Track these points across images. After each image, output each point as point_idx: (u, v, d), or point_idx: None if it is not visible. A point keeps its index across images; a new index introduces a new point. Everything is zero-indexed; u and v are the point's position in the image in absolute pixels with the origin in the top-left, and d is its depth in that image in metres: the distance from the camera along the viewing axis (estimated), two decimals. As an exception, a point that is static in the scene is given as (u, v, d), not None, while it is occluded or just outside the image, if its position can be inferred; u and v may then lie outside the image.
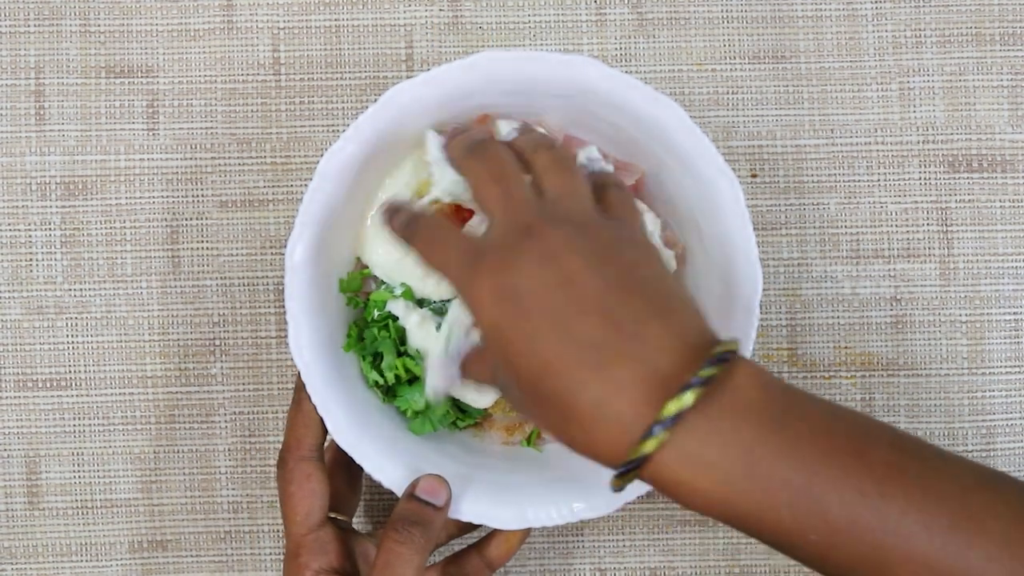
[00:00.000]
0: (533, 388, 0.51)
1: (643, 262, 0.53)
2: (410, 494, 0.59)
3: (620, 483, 0.50)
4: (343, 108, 0.71)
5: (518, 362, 0.51)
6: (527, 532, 0.64)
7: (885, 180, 0.71)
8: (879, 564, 0.48)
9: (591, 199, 0.55)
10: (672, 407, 0.48)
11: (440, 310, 0.62)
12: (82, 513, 0.70)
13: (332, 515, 0.62)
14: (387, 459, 0.61)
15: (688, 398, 0.48)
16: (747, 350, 0.61)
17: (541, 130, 0.62)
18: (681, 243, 0.64)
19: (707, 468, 0.49)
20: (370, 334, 0.63)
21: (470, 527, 0.65)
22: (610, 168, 0.62)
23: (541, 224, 0.52)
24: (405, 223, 0.57)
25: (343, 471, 0.65)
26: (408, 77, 0.70)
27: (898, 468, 0.49)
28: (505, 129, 0.61)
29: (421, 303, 0.63)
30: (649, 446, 0.48)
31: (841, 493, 0.48)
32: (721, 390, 0.49)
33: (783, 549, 0.50)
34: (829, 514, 0.48)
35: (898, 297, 0.71)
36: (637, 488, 0.62)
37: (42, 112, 0.70)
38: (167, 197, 0.70)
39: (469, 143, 0.57)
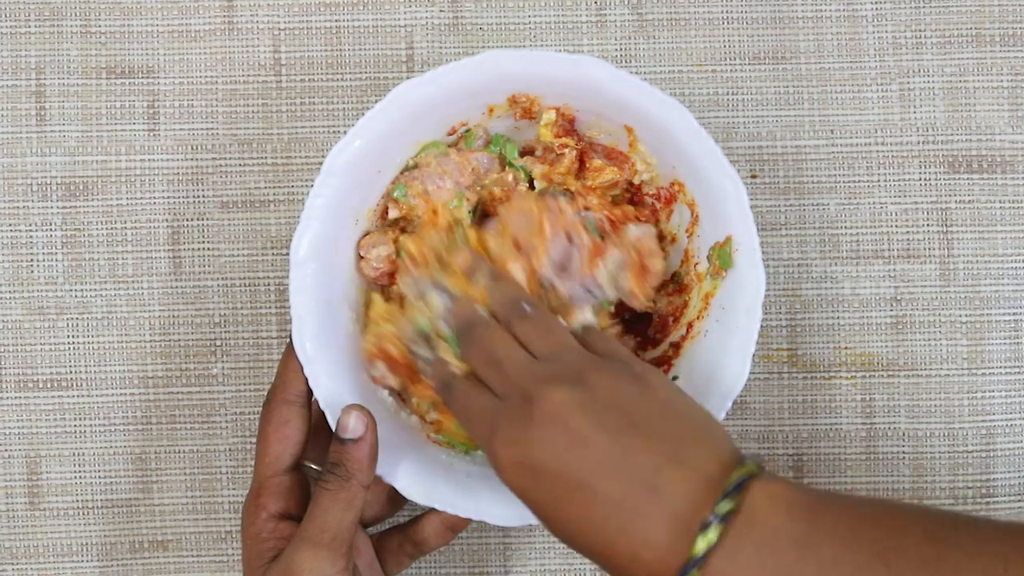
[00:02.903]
0: (576, 545, 0.53)
1: (645, 398, 0.54)
2: (336, 436, 0.60)
3: None
4: (344, 109, 0.71)
5: (549, 524, 0.54)
6: (467, 521, 0.64)
7: (885, 181, 0.71)
8: None
9: (579, 348, 0.57)
10: (699, 547, 0.50)
11: None
12: (83, 513, 0.70)
13: (307, 464, 0.62)
14: (391, 453, 0.61)
15: (711, 536, 0.49)
16: (749, 352, 0.61)
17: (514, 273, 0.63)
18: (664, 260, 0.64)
19: None
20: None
21: (401, 503, 0.65)
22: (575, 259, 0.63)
23: (539, 388, 0.54)
24: (441, 384, 0.60)
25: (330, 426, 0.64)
26: (409, 78, 0.70)
27: (935, 561, 0.49)
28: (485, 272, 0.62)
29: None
30: (699, 546, 0.50)
31: None
32: (741, 522, 0.50)
33: None
34: None
35: (898, 298, 0.71)
36: None
37: (43, 113, 0.71)
38: (168, 198, 0.71)
39: (460, 328, 0.60)
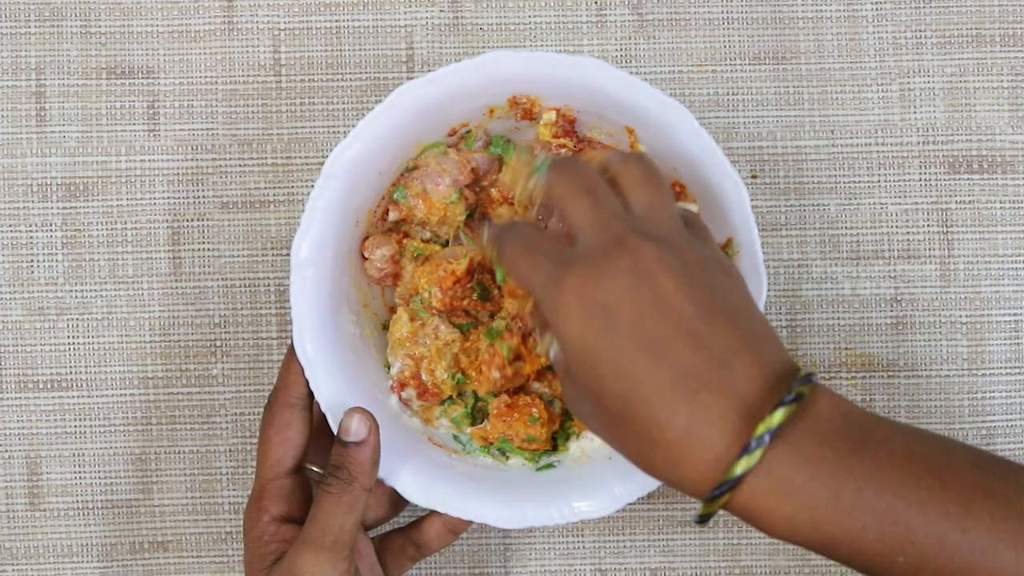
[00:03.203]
0: (616, 412, 0.51)
1: (730, 287, 0.52)
2: (338, 439, 0.60)
3: (708, 509, 0.50)
4: (344, 109, 0.71)
5: (603, 383, 0.51)
6: (468, 523, 0.63)
7: (885, 181, 0.71)
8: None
9: (679, 216, 0.54)
10: (761, 429, 0.48)
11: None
12: (83, 514, 0.70)
13: (309, 466, 0.62)
14: (393, 455, 0.61)
15: (776, 418, 0.48)
16: None
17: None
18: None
19: (793, 493, 0.49)
20: None
21: (402, 505, 0.65)
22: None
23: (633, 237, 0.51)
24: (497, 232, 0.56)
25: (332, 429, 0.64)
26: (409, 78, 0.70)
27: (983, 488, 0.49)
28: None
29: None
30: (740, 468, 0.49)
31: (927, 515, 0.48)
32: (804, 417, 0.49)
33: (872, 573, 0.50)
34: (916, 536, 0.48)
35: (898, 298, 0.71)
36: (638, 489, 0.62)
37: (43, 113, 0.70)
38: (168, 198, 0.71)
39: (555, 161, 0.56)
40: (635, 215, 0.53)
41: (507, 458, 0.65)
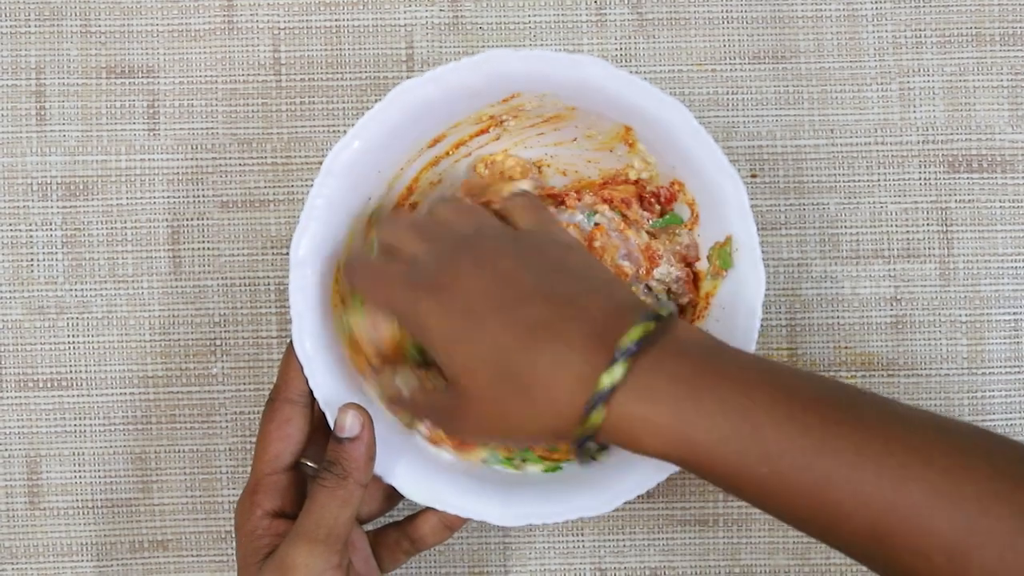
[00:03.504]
0: (492, 388, 0.55)
1: (569, 254, 0.57)
2: (333, 434, 0.60)
3: (582, 432, 0.53)
4: (344, 108, 0.71)
5: (472, 365, 0.55)
6: (465, 519, 0.64)
7: (885, 180, 0.71)
8: (823, 502, 0.49)
9: (500, 222, 0.60)
10: (625, 342, 0.52)
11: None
12: (83, 513, 0.70)
13: (304, 462, 0.62)
14: (390, 452, 0.61)
15: (636, 333, 0.52)
16: (750, 351, 0.61)
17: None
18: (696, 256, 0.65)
19: (659, 400, 0.51)
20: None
21: (397, 499, 0.65)
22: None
23: (466, 239, 0.57)
24: (349, 266, 0.61)
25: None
26: (409, 77, 0.70)
27: (844, 408, 0.50)
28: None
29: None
30: (605, 381, 0.51)
31: (785, 435, 0.50)
32: (663, 334, 0.53)
33: (743, 492, 0.52)
34: (772, 455, 0.50)
35: (898, 297, 0.71)
36: (637, 486, 0.62)
37: (43, 112, 0.71)
38: (168, 197, 0.71)
39: (379, 226, 0.62)
40: (459, 231, 0.59)
41: (525, 464, 0.65)
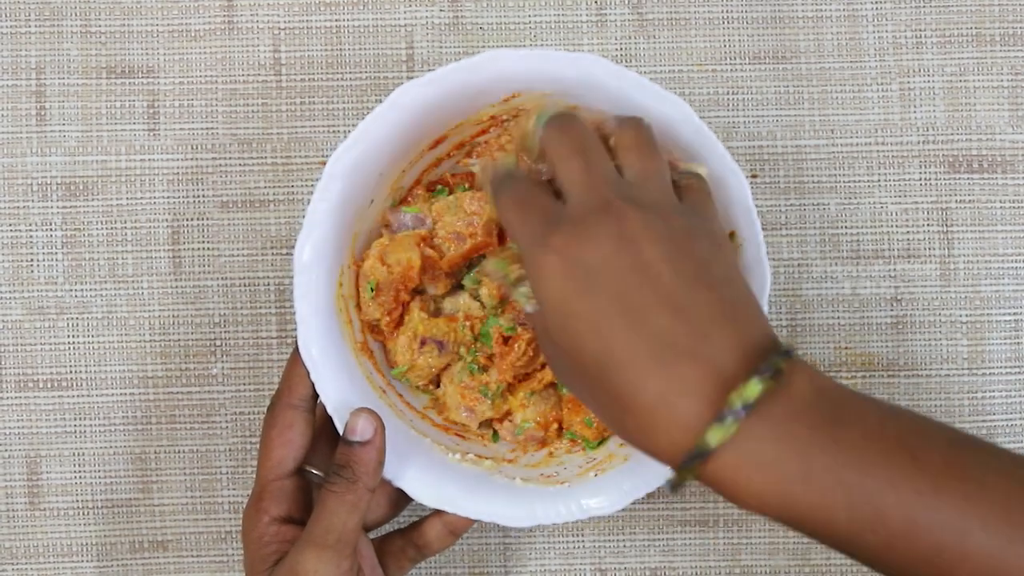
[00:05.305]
0: (592, 374, 0.51)
1: (717, 258, 0.52)
2: (343, 438, 0.60)
3: (679, 479, 0.50)
4: (344, 108, 0.71)
5: (579, 343, 0.51)
6: (471, 522, 0.63)
7: (885, 180, 0.71)
8: (938, 562, 0.48)
9: (671, 185, 0.55)
10: (736, 402, 0.48)
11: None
12: (83, 513, 0.70)
13: (309, 469, 0.62)
14: (399, 455, 0.61)
15: (751, 391, 0.48)
16: None
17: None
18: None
19: (764, 468, 0.49)
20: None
21: (402, 506, 0.65)
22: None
23: (621, 203, 0.51)
24: (496, 180, 0.56)
25: (333, 432, 0.64)
26: (409, 78, 0.70)
27: (955, 466, 0.49)
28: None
29: None
30: (712, 440, 0.48)
31: (897, 493, 0.48)
32: (778, 391, 0.49)
33: (842, 550, 0.50)
34: (886, 514, 0.48)
35: (898, 297, 0.71)
36: (645, 485, 0.62)
37: (43, 113, 0.71)
38: (168, 197, 0.71)
39: (551, 120, 0.56)
40: (626, 180, 0.54)
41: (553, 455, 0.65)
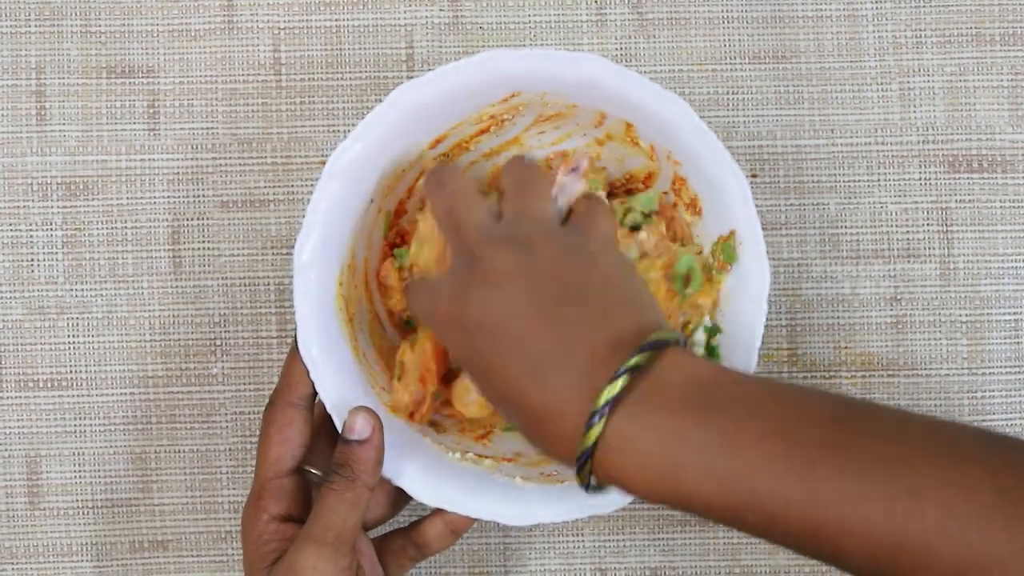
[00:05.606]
0: (498, 399, 0.55)
1: (589, 271, 0.55)
2: (342, 437, 0.60)
3: (580, 480, 0.52)
4: (344, 108, 0.71)
5: (480, 379, 0.55)
6: (472, 521, 0.63)
7: (885, 180, 0.71)
8: (819, 539, 0.49)
9: (551, 214, 0.58)
10: (603, 397, 0.50)
11: None
12: (83, 513, 0.70)
13: (308, 468, 0.62)
14: (399, 454, 0.61)
15: (617, 385, 0.50)
16: (755, 346, 0.61)
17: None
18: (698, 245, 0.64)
19: (643, 455, 0.50)
20: None
21: (402, 505, 0.65)
22: (580, 184, 0.62)
23: (486, 249, 0.55)
24: (408, 287, 0.62)
25: (331, 431, 0.64)
26: (409, 77, 0.70)
27: (834, 443, 0.49)
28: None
29: None
30: (590, 437, 0.51)
31: (771, 475, 0.49)
32: (644, 383, 0.51)
33: (737, 529, 0.51)
34: (760, 496, 0.49)
35: (898, 297, 0.71)
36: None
37: (43, 112, 0.71)
38: (168, 197, 0.71)
39: (430, 174, 0.61)
40: (502, 222, 0.58)
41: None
